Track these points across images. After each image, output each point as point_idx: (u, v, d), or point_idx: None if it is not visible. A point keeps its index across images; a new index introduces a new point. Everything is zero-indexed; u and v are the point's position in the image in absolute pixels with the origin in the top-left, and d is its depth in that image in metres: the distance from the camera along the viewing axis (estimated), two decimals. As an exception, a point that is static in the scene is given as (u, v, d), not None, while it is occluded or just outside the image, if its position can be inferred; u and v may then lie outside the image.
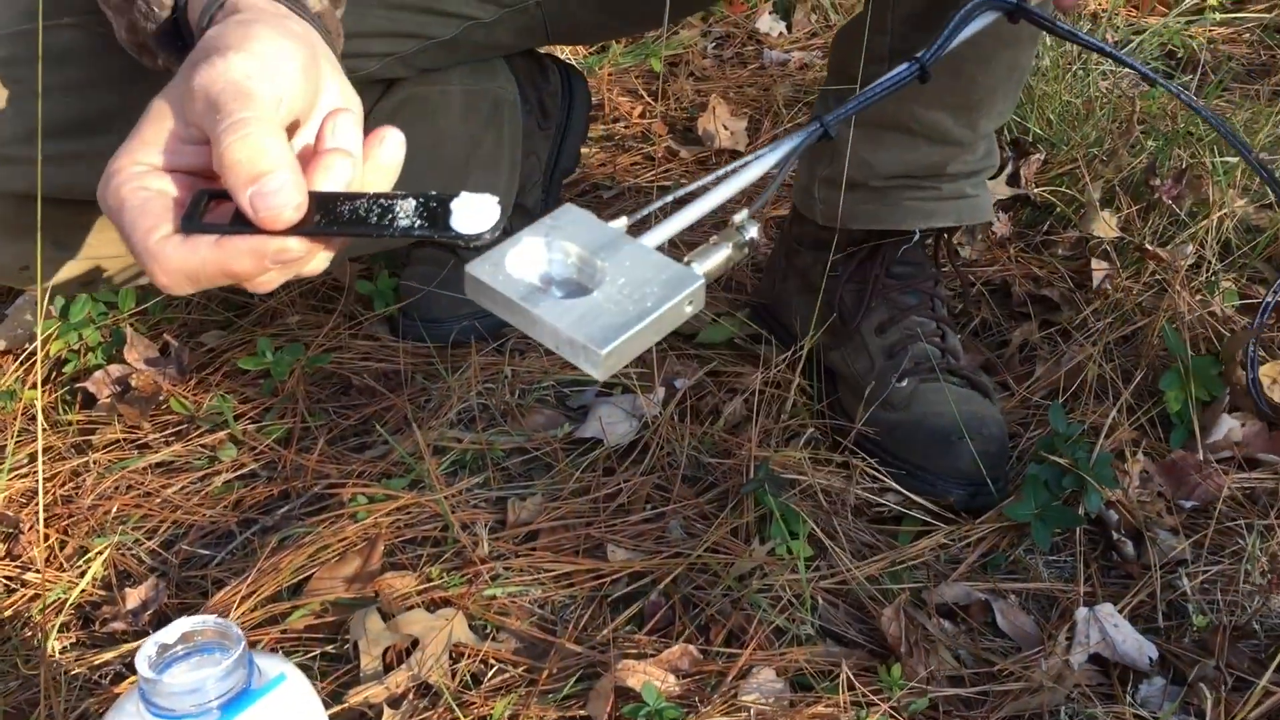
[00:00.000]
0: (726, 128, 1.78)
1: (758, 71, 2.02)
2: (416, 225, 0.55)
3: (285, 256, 0.57)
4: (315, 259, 0.59)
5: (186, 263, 0.57)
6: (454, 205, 0.55)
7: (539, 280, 0.54)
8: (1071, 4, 0.84)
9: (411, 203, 0.55)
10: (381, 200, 0.56)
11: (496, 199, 0.54)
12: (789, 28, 2.21)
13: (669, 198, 0.59)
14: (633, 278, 0.52)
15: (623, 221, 0.57)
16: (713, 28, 2.18)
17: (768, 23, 2.20)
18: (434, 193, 0.55)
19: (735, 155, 1.76)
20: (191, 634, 0.63)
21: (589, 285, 0.53)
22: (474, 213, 0.54)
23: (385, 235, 0.55)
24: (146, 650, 0.61)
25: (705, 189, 0.62)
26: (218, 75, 0.57)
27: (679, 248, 0.59)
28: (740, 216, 0.59)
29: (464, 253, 1.38)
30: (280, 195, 0.55)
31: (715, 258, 0.57)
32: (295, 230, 0.56)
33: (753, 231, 0.58)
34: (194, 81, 0.58)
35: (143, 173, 0.60)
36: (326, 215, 0.56)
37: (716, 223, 1.26)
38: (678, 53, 2.03)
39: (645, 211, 0.59)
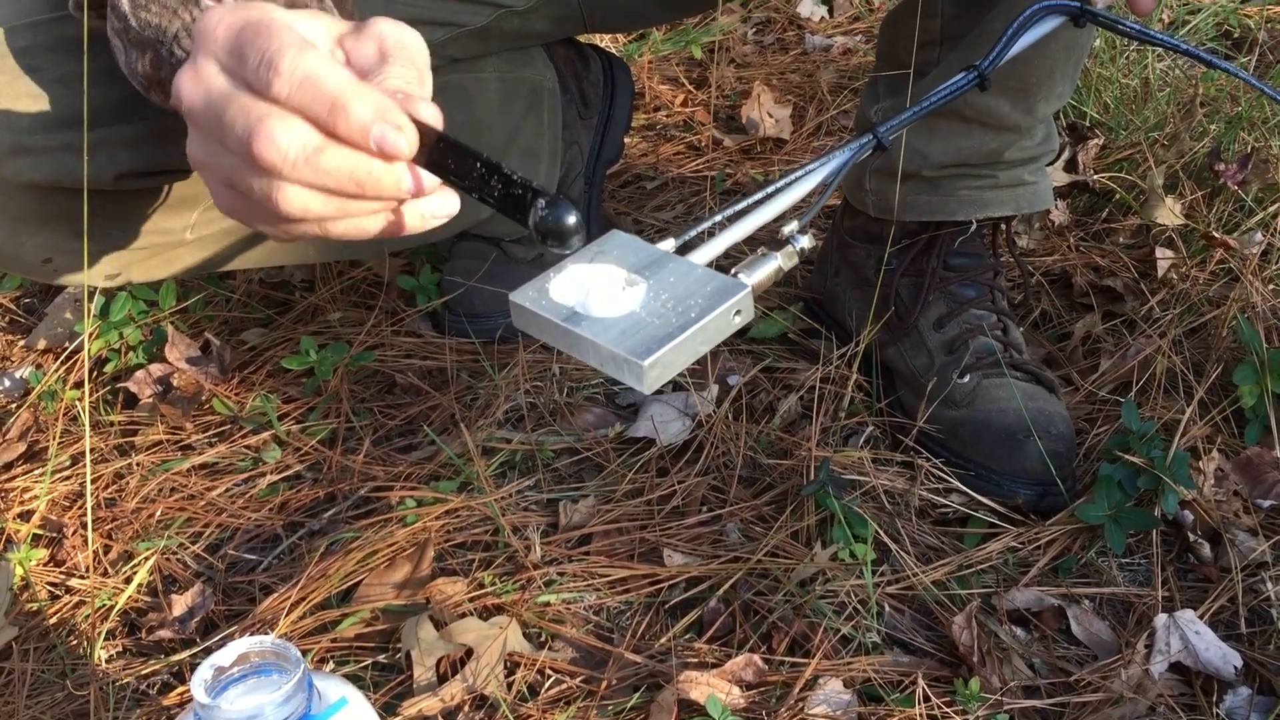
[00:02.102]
0: (771, 115, 1.74)
1: (800, 57, 1.98)
2: (499, 201, 0.54)
3: (391, 139, 0.56)
4: (370, 220, 0.59)
5: (322, 68, 0.56)
6: (539, 205, 0.53)
7: (583, 303, 0.53)
8: (1149, 7, 0.79)
9: (503, 182, 0.54)
10: (487, 166, 0.55)
11: (577, 216, 0.52)
12: (830, 12, 2.17)
13: (717, 217, 0.57)
14: (677, 292, 0.52)
15: (670, 243, 0.57)
16: (753, 13, 2.14)
17: (809, 7, 2.16)
18: (532, 184, 0.54)
19: (780, 144, 1.71)
20: (248, 655, 0.60)
21: (633, 304, 0.52)
22: (558, 217, 0.52)
23: (470, 191, 0.56)
24: (202, 674, 0.59)
25: (755, 205, 0.60)
26: (401, 35, 0.60)
27: (734, 259, 0.56)
28: (791, 227, 0.57)
29: (508, 246, 1.35)
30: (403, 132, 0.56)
31: (764, 268, 0.55)
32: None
33: (804, 242, 0.57)
34: (376, 27, 0.60)
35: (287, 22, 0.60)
36: (437, 160, 0.57)
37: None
38: (718, 39, 1.99)
39: (694, 232, 0.58)
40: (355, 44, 0.60)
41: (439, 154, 0.57)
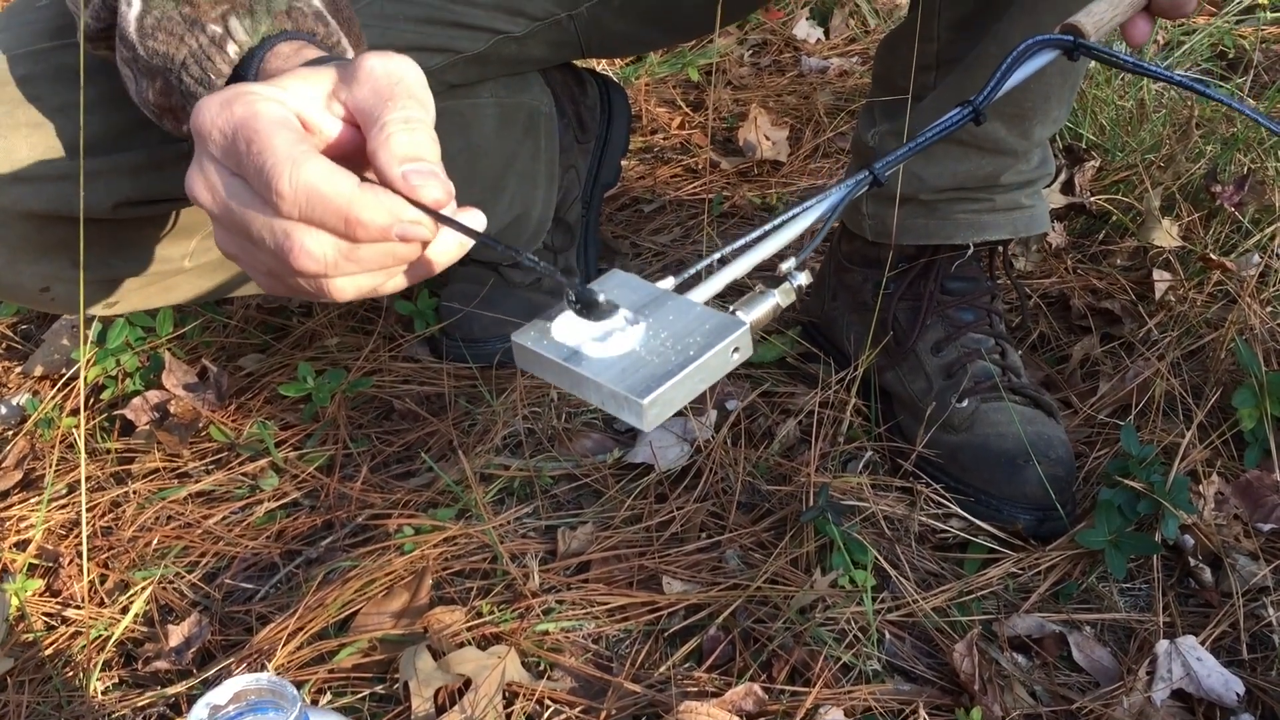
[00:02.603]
0: (768, 138, 1.74)
1: (796, 79, 1.99)
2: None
3: (412, 231, 0.55)
4: (418, 266, 0.58)
5: (323, 180, 0.55)
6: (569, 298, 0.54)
7: (584, 343, 0.54)
8: (1144, 37, 0.78)
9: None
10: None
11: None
12: (826, 34, 2.17)
13: (716, 255, 0.58)
14: (676, 330, 0.52)
15: (669, 281, 0.58)
16: (749, 35, 2.15)
17: (805, 29, 2.16)
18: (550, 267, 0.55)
19: (777, 166, 1.72)
20: (245, 692, 0.60)
21: (633, 343, 0.53)
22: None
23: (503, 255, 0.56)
24: (198, 713, 0.58)
25: (753, 243, 0.60)
26: (393, 68, 0.58)
27: (733, 294, 0.57)
28: (788, 265, 0.58)
29: (506, 270, 1.34)
30: (434, 178, 0.55)
31: (762, 306, 0.56)
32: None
33: (801, 279, 0.57)
34: (367, 63, 0.58)
35: (277, 102, 0.58)
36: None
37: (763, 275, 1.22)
38: (714, 61, 1.99)
39: (692, 271, 0.59)
40: (350, 94, 0.59)
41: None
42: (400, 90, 0.58)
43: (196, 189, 0.59)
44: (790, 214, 0.58)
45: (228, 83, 0.68)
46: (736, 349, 0.51)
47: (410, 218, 0.55)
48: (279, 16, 0.69)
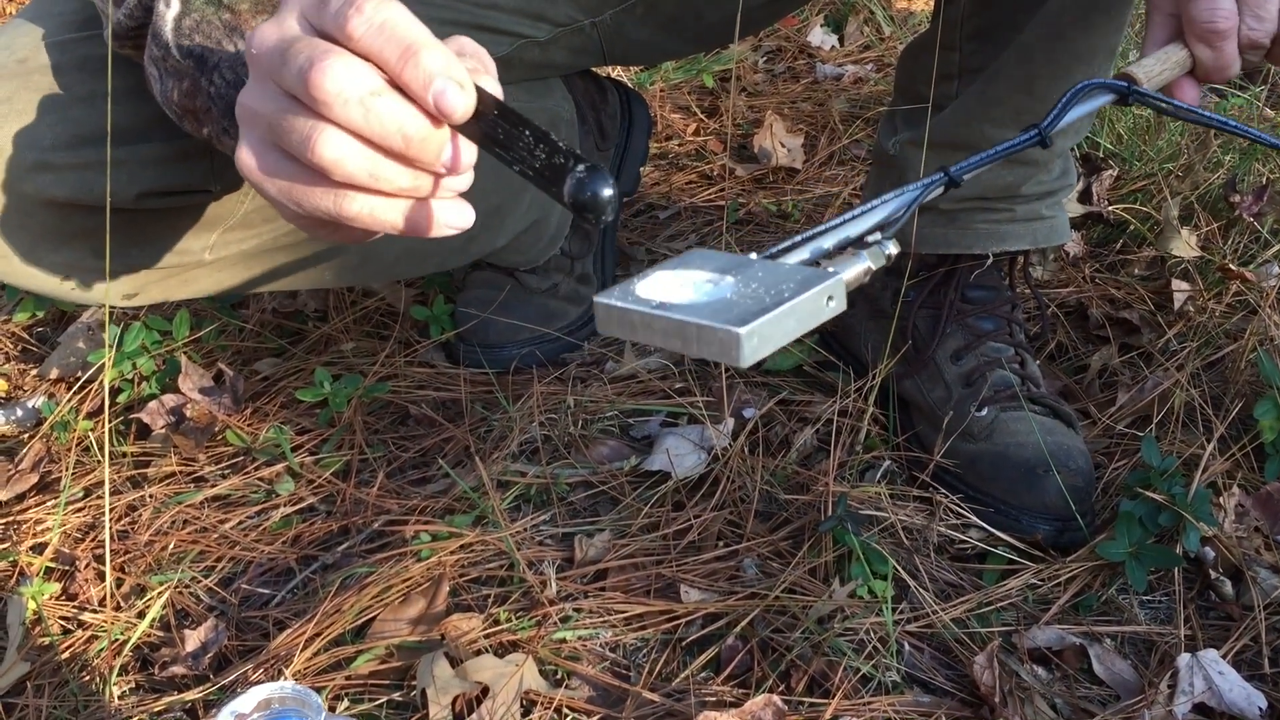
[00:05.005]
0: (783, 145, 1.74)
1: (811, 86, 1.98)
2: (538, 172, 0.54)
3: (452, 96, 0.55)
4: (418, 212, 0.59)
5: (403, 15, 0.55)
6: (577, 171, 0.53)
7: (671, 297, 0.52)
8: (1193, 100, 0.79)
9: (547, 152, 0.54)
10: (535, 133, 0.55)
11: (611, 184, 0.53)
12: (841, 41, 2.17)
13: (786, 244, 0.56)
14: (766, 282, 0.51)
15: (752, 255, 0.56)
16: (764, 42, 2.14)
17: (819, 36, 2.16)
18: (576, 152, 0.53)
19: (792, 173, 1.71)
20: (269, 701, 0.60)
21: (724, 292, 0.51)
22: (595, 188, 0.52)
23: (512, 163, 0.55)
24: (223, 720, 0.58)
25: (820, 234, 0.60)
26: (471, 43, 0.61)
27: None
28: (876, 235, 0.57)
29: (522, 276, 1.34)
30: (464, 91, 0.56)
31: (854, 266, 0.55)
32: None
33: (890, 248, 0.56)
34: (458, 40, 0.61)
35: None
36: (487, 130, 0.56)
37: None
38: (729, 68, 1.99)
39: (768, 252, 0.58)
40: None
41: (490, 124, 0.56)
42: (480, 55, 0.60)
43: (262, 30, 0.58)
44: (860, 209, 0.58)
45: None
46: (831, 297, 0.50)
47: (459, 77, 0.55)
48: None
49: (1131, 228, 1.45)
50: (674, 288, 0.51)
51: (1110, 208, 1.47)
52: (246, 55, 0.60)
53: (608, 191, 0.52)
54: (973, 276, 1.20)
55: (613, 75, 1.63)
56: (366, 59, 0.55)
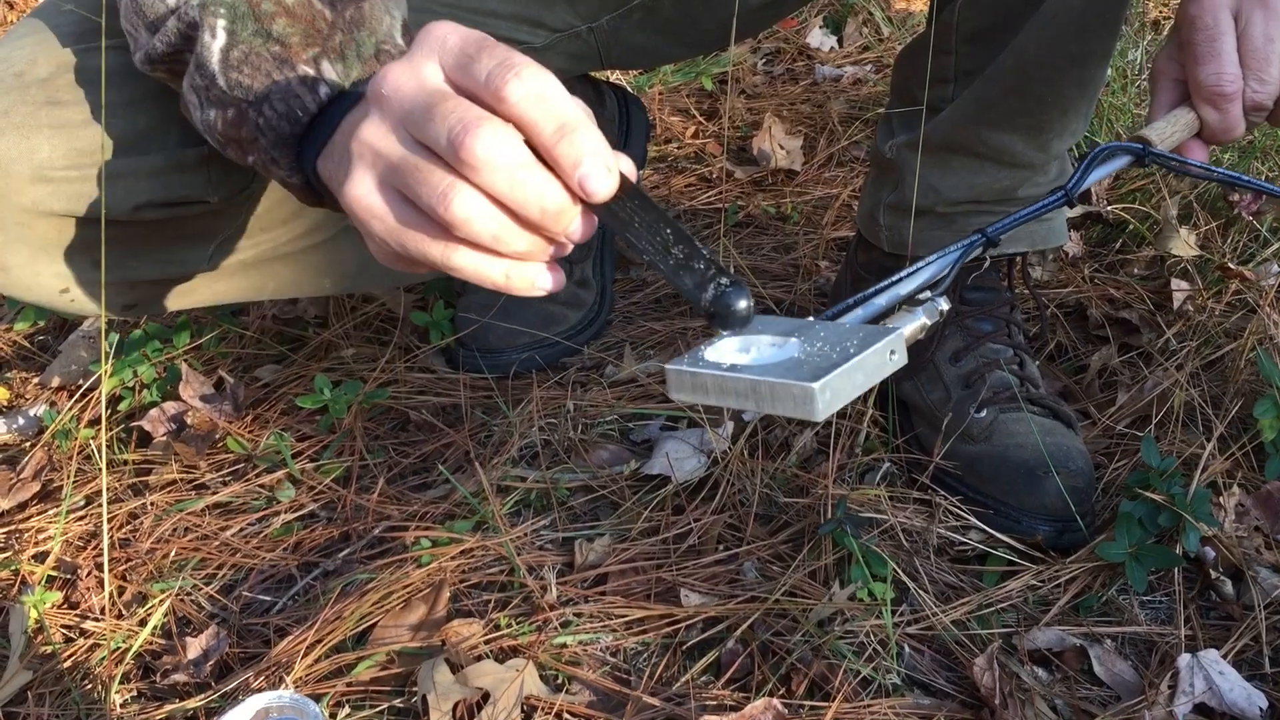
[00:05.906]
0: (782, 147, 1.74)
1: (810, 87, 1.99)
2: (672, 269, 0.56)
3: (610, 158, 0.55)
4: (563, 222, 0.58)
5: (557, 85, 0.56)
6: (721, 282, 0.55)
7: (740, 360, 0.55)
8: (1229, 138, 0.82)
9: (685, 253, 0.56)
10: (675, 232, 0.56)
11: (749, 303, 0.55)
12: (840, 42, 2.17)
13: (841, 305, 0.60)
14: (830, 340, 0.54)
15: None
16: (762, 43, 2.15)
17: (818, 37, 2.16)
18: (711, 258, 0.56)
19: (791, 175, 1.71)
20: (267, 710, 0.60)
21: (791, 352, 0.54)
22: (732, 301, 0.55)
23: (641, 251, 0.56)
24: (222, 731, 0.58)
25: (873, 295, 0.63)
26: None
27: None
28: (928, 293, 0.60)
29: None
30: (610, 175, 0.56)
31: (912, 322, 0.58)
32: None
33: (943, 304, 0.60)
34: None
35: None
36: (619, 212, 0.58)
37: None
38: (728, 70, 1.99)
39: (829, 314, 0.61)
40: None
41: (624, 207, 0.57)
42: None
43: (394, 71, 0.59)
44: (903, 273, 0.62)
45: (312, 120, 0.69)
46: (893, 351, 0.52)
47: (608, 162, 0.55)
48: (369, 62, 0.70)
49: (1130, 227, 1.45)
50: (741, 351, 0.54)
51: (1109, 207, 1.47)
52: (372, 93, 0.60)
53: (745, 304, 0.54)
54: (970, 279, 1.20)
55: (611, 79, 1.63)
56: (517, 123, 0.56)
